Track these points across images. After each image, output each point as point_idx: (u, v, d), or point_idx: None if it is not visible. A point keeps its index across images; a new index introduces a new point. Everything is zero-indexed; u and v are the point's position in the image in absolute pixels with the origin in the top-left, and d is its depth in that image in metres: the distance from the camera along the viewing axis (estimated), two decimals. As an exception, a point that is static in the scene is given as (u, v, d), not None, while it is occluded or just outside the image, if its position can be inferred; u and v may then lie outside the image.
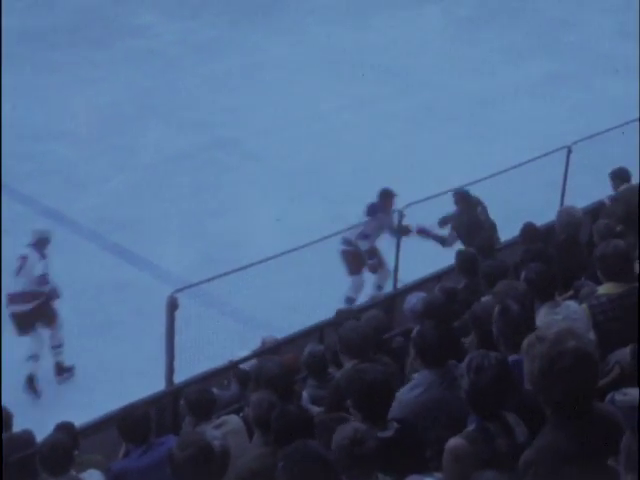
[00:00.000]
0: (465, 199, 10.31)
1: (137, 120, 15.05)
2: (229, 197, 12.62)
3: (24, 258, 9.75)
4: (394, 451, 4.41)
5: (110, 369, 9.66)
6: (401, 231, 9.74)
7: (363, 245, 10.52)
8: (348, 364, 5.88)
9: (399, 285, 9.56)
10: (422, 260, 10.50)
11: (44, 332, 9.90)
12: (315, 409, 5.82)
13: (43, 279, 9.77)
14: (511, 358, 4.70)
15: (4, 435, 6.80)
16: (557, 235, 8.12)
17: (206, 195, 12.82)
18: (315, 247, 8.58)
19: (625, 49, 17.22)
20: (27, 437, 6.54)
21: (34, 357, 9.84)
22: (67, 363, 9.94)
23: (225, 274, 7.98)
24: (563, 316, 5.54)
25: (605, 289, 5.72)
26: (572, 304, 5.82)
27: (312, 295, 10.12)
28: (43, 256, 9.79)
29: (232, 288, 8.38)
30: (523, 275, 5.95)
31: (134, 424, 5.63)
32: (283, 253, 8.28)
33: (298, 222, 11.90)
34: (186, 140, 14.28)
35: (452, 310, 6.68)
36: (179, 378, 7.60)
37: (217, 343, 8.27)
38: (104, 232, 11.93)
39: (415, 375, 5.27)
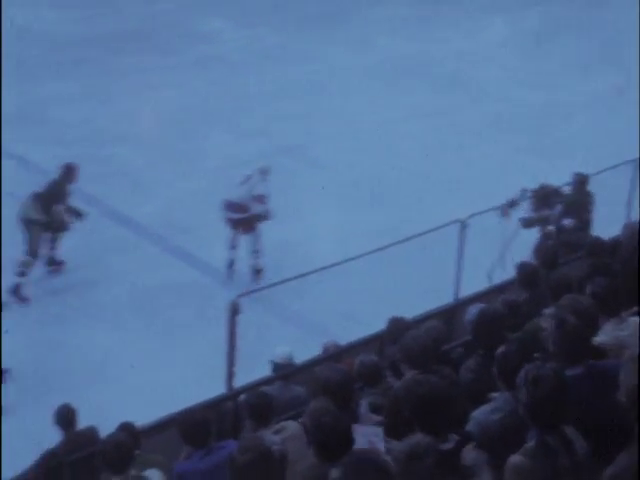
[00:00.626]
0: (585, 183, 10.70)
1: (202, 126, 15.20)
2: (292, 204, 12.64)
3: (249, 176, 11.28)
4: (454, 463, 4.39)
5: (171, 372, 9.75)
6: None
7: None
8: (408, 374, 5.87)
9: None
10: (484, 272, 10.46)
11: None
12: (374, 418, 5.82)
13: (260, 198, 11.32)
14: (570, 372, 4.63)
15: (69, 432, 6.94)
16: (622, 250, 8.01)
17: (269, 201, 12.89)
18: (375, 256, 8.58)
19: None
20: (91, 434, 6.64)
21: (255, 252, 11.44)
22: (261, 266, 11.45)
23: (287, 280, 8.01)
24: (628, 332, 5.48)
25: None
26: (638, 320, 5.75)
27: (372, 304, 10.13)
28: (265, 180, 11.27)
29: (293, 294, 8.42)
30: (589, 289, 5.89)
31: (194, 427, 5.68)
32: (345, 261, 8.26)
33: (360, 230, 11.91)
34: (250, 146, 14.38)
35: (508, 322, 6.58)
36: (239, 382, 7.65)
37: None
38: (168, 235, 12.06)
39: (495, 395, 5.18)
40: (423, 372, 5.60)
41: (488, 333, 6.03)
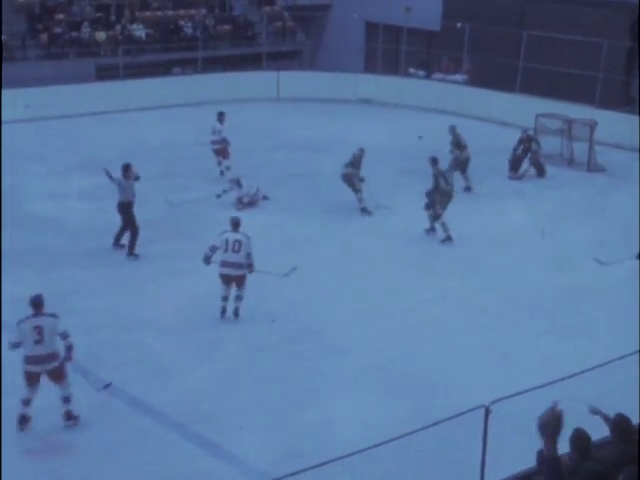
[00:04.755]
0: None
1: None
2: (312, 390, 12.58)
3: None
4: None
5: None
6: None
7: None
8: None
9: None
10: (511, 457, 10.24)
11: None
12: None
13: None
14: None
15: None
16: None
17: (289, 387, 12.81)
18: (398, 443, 8.44)
19: None
20: None
21: None
22: None
23: (309, 469, 7.85)
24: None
25: None
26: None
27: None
28: None
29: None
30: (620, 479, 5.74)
31: None
32: (369, 448, 8.15)
33: (382, 417, 11.77)
34: (270, 333, 14.44)
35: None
36: None
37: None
38: (188, 423, 11.92)
39: None
40: None
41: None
